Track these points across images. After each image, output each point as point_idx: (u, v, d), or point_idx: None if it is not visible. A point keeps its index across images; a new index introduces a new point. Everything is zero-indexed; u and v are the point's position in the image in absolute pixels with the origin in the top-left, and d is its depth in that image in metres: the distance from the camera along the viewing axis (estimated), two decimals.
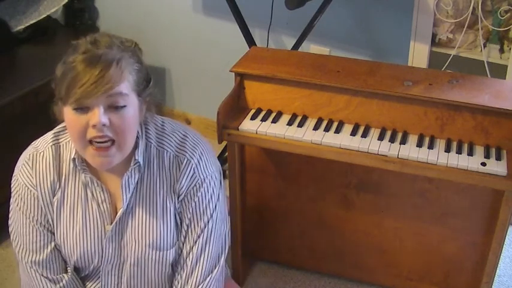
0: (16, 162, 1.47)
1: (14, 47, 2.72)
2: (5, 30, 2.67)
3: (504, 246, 1.87)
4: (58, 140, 1.41)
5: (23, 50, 2.75)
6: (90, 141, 1.28)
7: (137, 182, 1.40)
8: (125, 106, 1.27)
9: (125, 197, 1.39)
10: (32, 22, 2.73)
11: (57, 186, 1.41)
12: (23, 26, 2.72)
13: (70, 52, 1.28)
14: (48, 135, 1.43)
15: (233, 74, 1.98)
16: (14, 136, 2.37)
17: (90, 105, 1.25)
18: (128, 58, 1.29)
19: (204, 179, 1.42)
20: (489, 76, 2.31)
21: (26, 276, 1.46)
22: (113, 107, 1.26)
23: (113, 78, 1.23)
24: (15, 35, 2.71)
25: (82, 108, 1.25)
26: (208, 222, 1.44)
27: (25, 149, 1.46)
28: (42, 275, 1.44)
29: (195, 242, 1.44)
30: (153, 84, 1.38)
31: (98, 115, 1.24)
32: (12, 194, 1.43)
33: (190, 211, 1.42)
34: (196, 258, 1.44)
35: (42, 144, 1.42)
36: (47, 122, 1.48)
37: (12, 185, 1.44)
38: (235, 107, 1.98)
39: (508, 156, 1.76)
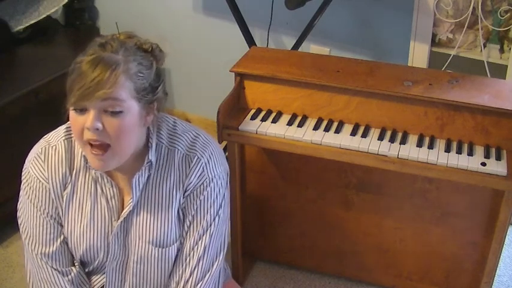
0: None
1: (14, 47, 2.72)
2: (5, 30, 2.67)
3: (504, 246, 1.87)
4: (70, 134, 1.42)
5: (23, 50, 2.75)
6: (89, 142, 1.30)
7: (145, 180, 1.42)
8: (120, 112, 1.28)
9: (134, 195, 1.41)
10: (32, 22, 2.73)
11: (68, 180, 1.42)
12: (23, 26, 2.72)
13: (83, 52, 1.29)
14: (61, 130, 1.44)
15: (233, 74, 1.98)
16: (14, 136, 2.37)
17: (87, 107, 1.27)
18: (131, 63, 1.29)
19: (212, 179, 1.43)
20: (489, 76, 2.31)
21: (34, 268, 1.47)
22: (108, 112, 1.27)
23: (107, 84, 1.24)
24: (15, 35, 2.71)
25: (81, 110, 1.28)
26: (212, 221, 1.45)
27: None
28: (52, 267, 1.45)
29: (197, 241, 1.45)
30: (162, 89, 1.38)
31: (91, 119, 1.26)
32: (23, 187, 1.45)
33: (195, 208, 1.44)
34: (198, 257, 1.45)
35: (55, 138, 1.43)
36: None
37: (22, 177, 1.45)
38: (235, 107, 1.99)
39: (508, 156, 1.76)
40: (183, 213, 1.45)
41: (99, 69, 1.24)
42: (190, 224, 1.45)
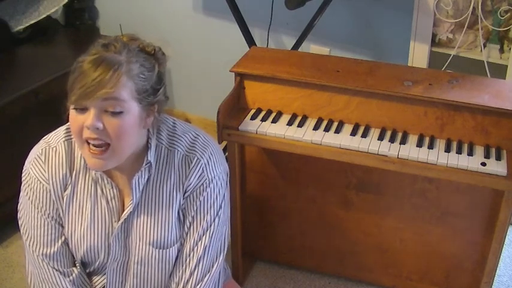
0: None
1: (14, 47, 2.72)
2: (5, 30, 2.67)
3: (504, 246, 1.87)
4: (70, 136, 1.42)
5: (23, 50, 2.75)
6: (87, 141, 1.30)
7: (145, 181, 1.42)
8: (121, 112, 1.28)
9: (134, 197, 1.40)
10: (32, 22, 2.73)
11: (68, 181, 1.42)
12: (23, 26, 2.72)
13: (88, 51, 1.29)
14: (60, 131, 1.44)
15: (233, 74, 1.98)
16: (14, 136, 2.37)
17: (88, 106, 1.27)
18: (133, 64, 1.28)
19: (212, 179, 1.43)
20: (489, 76, 2.31)
21: (36, 269, 1.47)
22: (109, 112, 1.27)
23: (108, 84, 1.24)
24: (15, 35, 2.71)
25: (82, 109, 1.28)
26: (212, 222, 1.45)
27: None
28: (54, 268, 1.45)
29: (197, 242, 1.45)
30: (163, 92, 1.38)
31: (91, 118, 1.26)
32: (23, 188, 1.45)
33: (195, 209, 1.43)
34: (197, 258, 1.45)
35: (55, 139, 1.43)
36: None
37: (23, 179, 1.45)
38: (235, 107, 1.98)
39: (508, 156, 1.76)
40: (183, 214, 1.45)
41: (101, 68, 1.24)
42: (190, 224, 1.45)
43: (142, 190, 1.42)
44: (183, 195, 1.43)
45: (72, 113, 1.29)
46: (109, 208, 1.43)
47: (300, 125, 1.90)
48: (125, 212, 1.42)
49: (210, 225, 1.45)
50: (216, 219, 1.45)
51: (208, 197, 1.43)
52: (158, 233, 1.43)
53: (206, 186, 1.43)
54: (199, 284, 1.46)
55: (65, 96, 1.30)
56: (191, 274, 1.46)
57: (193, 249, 1.45)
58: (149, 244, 1.44)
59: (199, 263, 1.45)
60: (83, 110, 1.27)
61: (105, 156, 1.30)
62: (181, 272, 1.47)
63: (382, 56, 2.53)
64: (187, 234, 1.46)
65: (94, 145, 1.29)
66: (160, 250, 1.44)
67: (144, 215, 1.43)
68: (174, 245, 1.45)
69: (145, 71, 1.31)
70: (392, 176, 1.97)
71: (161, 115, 1.42)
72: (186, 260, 1.46)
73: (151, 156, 1.39)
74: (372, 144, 1.81)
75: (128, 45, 1.31)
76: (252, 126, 1.90)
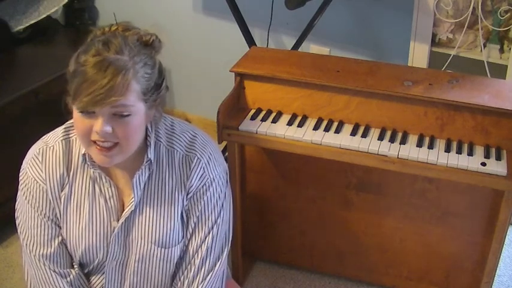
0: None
1: (14, 47, 2.72)
2: (5, 30, 2.67)
3: (504, 246, 1.87)
4: (68, 134, 1.42)
5: (23, 50, 2.75)
6: (94, 141, 1.29)
7: (146, 179, 1.41)
8: (129, 115, 1.28)
9: (136, 194, 1.40)
10: (32, 22, 2.73)
11: (66, 181, 1.42)
12: (23, 26, 2.72)
13: (83, 48, 1.27)
14: (59, 130, 1.44)
15: (233, 74, 1.98)
16: (13, 136, 2.37)
17: (96, 111, 1.25)
18: (138, 65, 1.27)
19: (214, 179, 1.43)
20: (489, 76, 2.31)
21: (33, 269, 1.47)
22: (117, 115, 1.27)
23: (118, 91, 1.23)
24: (15, 35, 2.71)
25: (88, 112, 1.26)
26: (216, 221, 1.45)
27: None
28: (51, 269, 1.45)
29: (202, 241, 1.45)
30: (165, 85, 1.37)
31: (101, 124, 1.25)
32: (20, 187, 1.44)
33: (199, 209, 1.44)
34: (202, 257, 1.46)
35: (53, 138, 1.43)
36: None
37: (20, 178, 1.44)
38: (235, 107, 1.98)
39: (508, 156, 1.76)
40: (186, 215, 1.45)
41: (109, 74, 1.22)
42: (195, 225, 1.45)
43: (144, 188, 1.42)
44: (186, 196, 1.43)
45: (77, 115, 1.28)
46: (107, 207, 1.43)
47: (300, 125, 1.90)
48: (126, 210, 1.42)
49: (214, 224, 1.45)
50: (219, 219, 1.46)
51: (211, 197, 1.44)
52: (161, 231, 1.43)
53: (209, 186, 1.43)
54: (203, 283, 1.46)
55: (65, 96, 1.29)
56: (196, 273, 1.46)
57: (197, 250, 1.45)
58: (152, 242, 1.43)
59: (204, 262, 1.46)
60: (89, 114, 1.26)
61: (113, 153, 1.30)
62: (186, 271, 1.47)
63: (382, 56, 2.53)
64: (191, 235, 1.46)
65: (103, 146, 1.29)
66: (163, 249, 1.44)
67: (146, 213, 1.43)
68: (176, 245, 1.45)
69: (149, 69, 1.31)
70: (392, 176, 1.97)
71: (159, 112, 1.41)
72: (191, 259, 1.46)
73: (151, 153, 1.39)
74: (372, 144, 1.81)
75: (127, 40, 1.28)
76: (252, 126, 1.90)
